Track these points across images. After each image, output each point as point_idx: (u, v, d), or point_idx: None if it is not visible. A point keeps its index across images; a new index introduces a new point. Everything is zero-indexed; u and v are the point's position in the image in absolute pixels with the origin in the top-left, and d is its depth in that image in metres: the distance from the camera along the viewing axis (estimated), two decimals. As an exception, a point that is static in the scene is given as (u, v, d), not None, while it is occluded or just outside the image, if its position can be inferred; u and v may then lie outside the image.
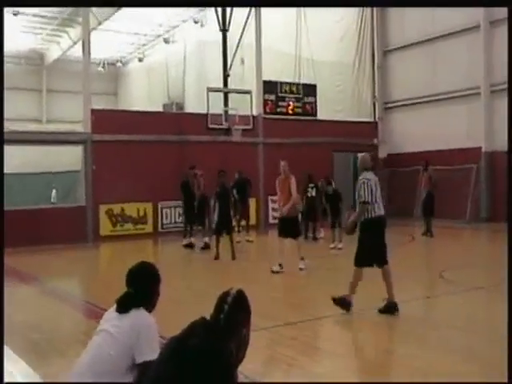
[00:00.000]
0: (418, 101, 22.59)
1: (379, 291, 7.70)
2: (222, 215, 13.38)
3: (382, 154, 23.80)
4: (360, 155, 8.37)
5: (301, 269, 11.21)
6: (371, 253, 7.66)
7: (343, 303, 7.67)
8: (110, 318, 3.29)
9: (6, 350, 4.55)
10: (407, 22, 22.94)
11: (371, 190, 7.61)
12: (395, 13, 23.50)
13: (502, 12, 18.93)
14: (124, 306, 3.28)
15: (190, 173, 15.90)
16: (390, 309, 7.55)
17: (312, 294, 9.64)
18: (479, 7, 19.41)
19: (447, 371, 5.34)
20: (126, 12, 26.38)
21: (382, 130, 24.13)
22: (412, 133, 22.71)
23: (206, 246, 15.00)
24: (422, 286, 10.18)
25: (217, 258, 13.06)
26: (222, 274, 11.74)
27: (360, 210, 7.66)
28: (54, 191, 28.90)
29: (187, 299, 8.93)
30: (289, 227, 11.33)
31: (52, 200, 28.09)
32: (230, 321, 2.57)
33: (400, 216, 21.37)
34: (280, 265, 11.11)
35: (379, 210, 7.73)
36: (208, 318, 2.64)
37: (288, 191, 11.23)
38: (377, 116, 24.42)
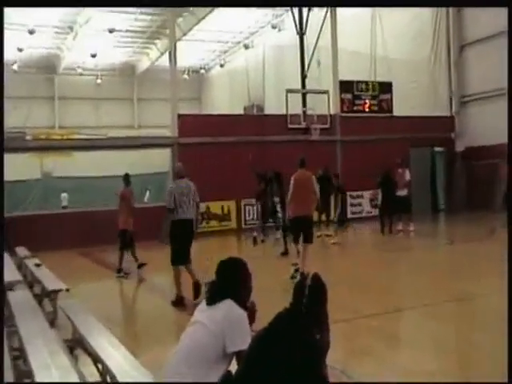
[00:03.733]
0: (497, 93, 21.48)
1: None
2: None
3: (460, 147, 23.12)
4: (177, 165, 9.09)
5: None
6: (180, 253, 8.34)
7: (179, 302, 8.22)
8: (203, 310, 3.35)
9: (110, 337, 4.74)
10: (483, 16, 22.03)
11: (173, 197, 8.28)
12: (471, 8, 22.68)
13: None
14: (211, 297, 3.33)
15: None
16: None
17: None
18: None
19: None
20: (208, 22, 26.86)
21: (459, 124, 23.37)
22: (490, 126, 21.74)
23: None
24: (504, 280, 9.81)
25: (285, 253, 12.85)
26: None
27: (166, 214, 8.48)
28: (147, 192, 29.61)
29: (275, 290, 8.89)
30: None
31: (145, 200, 28.82)
32: (312, 303, 2.55)
33: (478, 209, 20.69)
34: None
35: (183, 213, 8.39)
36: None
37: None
38: (453, 110, 23.66)
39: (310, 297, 2.57)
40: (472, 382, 4.29)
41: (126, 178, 12.12)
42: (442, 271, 10.78)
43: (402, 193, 16.21)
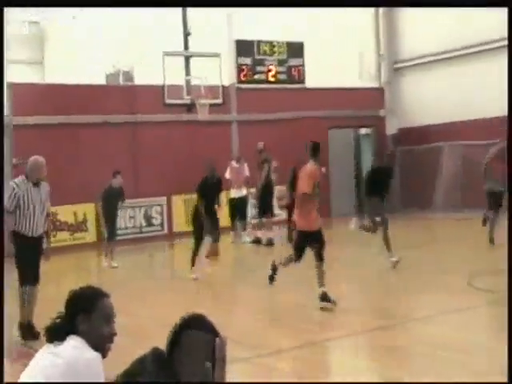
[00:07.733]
0: (439, 57, 22.19)
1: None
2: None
3: (391, 129, 23.85)
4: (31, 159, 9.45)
5: None
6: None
7: None
8: (41, 356, 3.31)
9: None
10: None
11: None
12: None
13: None
14: (54, 334, 3.30)
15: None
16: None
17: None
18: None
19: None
20: None
21: (391, 98, 24.10)
22: (431, 100, 22.36)
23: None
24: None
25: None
26: (194, 294, 11.92)
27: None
28: None
29: (148, 331, 8.80)
30: None
31: None
32: (187, 354, 2.66)
33: (417, 206, 21.51)
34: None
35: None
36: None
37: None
38: (382, 80, 24.38)
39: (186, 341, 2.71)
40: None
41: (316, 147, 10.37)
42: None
43: (240, 193, 17.78)
